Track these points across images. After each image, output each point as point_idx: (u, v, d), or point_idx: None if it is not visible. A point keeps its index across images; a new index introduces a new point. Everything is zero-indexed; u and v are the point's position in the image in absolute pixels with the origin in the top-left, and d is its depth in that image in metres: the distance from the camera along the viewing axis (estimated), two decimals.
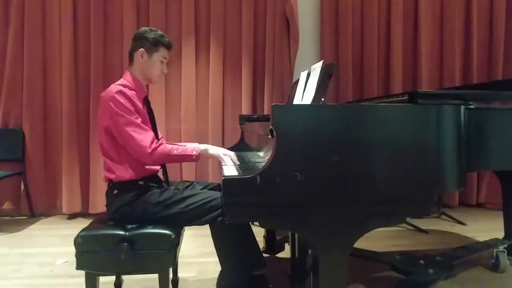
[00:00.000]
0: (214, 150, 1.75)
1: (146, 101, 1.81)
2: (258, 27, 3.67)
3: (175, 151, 1.63)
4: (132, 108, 1.62)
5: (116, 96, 1.60)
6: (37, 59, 3.46)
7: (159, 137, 2.02)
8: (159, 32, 1.77)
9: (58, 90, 3.50)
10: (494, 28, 3.84)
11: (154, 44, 1.74)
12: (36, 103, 3.47)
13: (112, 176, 1.67)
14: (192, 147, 1.68)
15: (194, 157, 1.67)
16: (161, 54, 1.77)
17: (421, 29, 3.77)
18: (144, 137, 1.60)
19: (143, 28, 1.79)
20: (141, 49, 1.73)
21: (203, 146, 1.73)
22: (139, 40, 1.75)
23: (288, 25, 3.67)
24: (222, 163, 1.72)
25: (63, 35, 3.44)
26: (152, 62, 1.76)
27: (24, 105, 3.45)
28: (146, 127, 1.64)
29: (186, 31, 3.55)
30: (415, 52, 3.84)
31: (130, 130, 1.59)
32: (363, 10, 3.77)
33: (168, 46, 1.78)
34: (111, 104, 1.60)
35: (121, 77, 3.62)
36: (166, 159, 1.69)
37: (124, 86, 1.68)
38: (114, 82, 3.70)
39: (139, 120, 1.63)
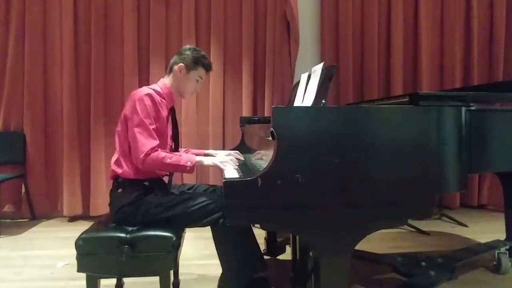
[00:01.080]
0: (209, 160, 1.74)
1: (171, 111, 1.85)
2: (259, 29, 3.68)
3: (169, 160, 1.61)
4: (153, 113, 1.66)
5: (144, 97, 1.65)
6: (38, 61, 3.47)
7: (180, 149, 2.03)
8: (202, 53, 1.84)
9: (59, 93, 3.50)
10: (494, 29, 3.84)
11: (194, 63, 1.80)
12: (37, 106, 3.48)
13: (119, 171, 1.69)
14: (187, 158, 1.66)
15: (188, 168, 1.64)
16: (198, 73, 1.83)
17: (421, 30, 3.78)
18: (147, 142, 1.60)
19: (188, 46, 1.87)
20: (182, 64, 1.79)
21: (198, 158, 1.71)
22: (182, 55, 1.81)
23: (289, 27, 3.67)
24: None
25: (64, 38, 3.45)
26: (189, 78, 1.82)
27: (25, 107, 3.45)
28: (155, 135, 1.64)
29: (187, 34, 3.56)
30: (415, 53, 3.84)
31: (138, 131, 1.62)
32: (363, 12, 3.78)
33: (207, 68, 1.84)
34: (137, 102, 1.64)
35: (122, 80, 3.63)
36: (159, 166, 1.66)
37: (155, 91, 1.73)
38: (114, 85, 3.73)
39: (152, 127, 1.64)
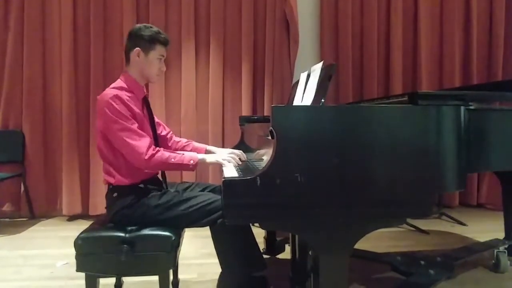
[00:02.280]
0: (212, 158, 1.72)
1: (145, 102, 1.76)
2: (258, 28, 3.68)
3: (173, 159, 1.59)
4: (127, 114, 1.58)
5: (111, 101, 1.56)
6: (37, 60, 3.46)
7: (168, 133, 2.01)
8: (155, 29, 1.70)
9: (58, 92, 3.50)
10: (493, 28, 3.85)
11: (150, 42, 1.67)
12: (36, 105, 3.47)
13: (111, 180, 1.65)
14: (190, 156, 1.64)
15: (191, 166, 1.62)
16: (158, 52, 1.70)
17: (420, 30, 3.78)
18: (140, 143, 1.55)
19: (138, 25, 1.71)
20: (137, 48, 1.67)
21: (200, 156, 1.69)
22: (134, 39, 1.68)
23: (288, 26, 3.67)
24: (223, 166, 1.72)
25: (63, 37, 3.44)
26: (149, 60, 1.69)
27: (24, 106, 3.45)
28: (142, 132, 1.59)
29: (186, 33, 3.55)
30: (415, 53, 3.85)
31: (125, 136, 1.55)
32: (363, 11, 3.78)
33: (164, 43, 1.71)
34: (106, 109, 1.56)
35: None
36: (163, 167, 1.66)
37: (120, 88, 1.64)
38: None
39: (135, 126, 1.58)
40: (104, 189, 3.40)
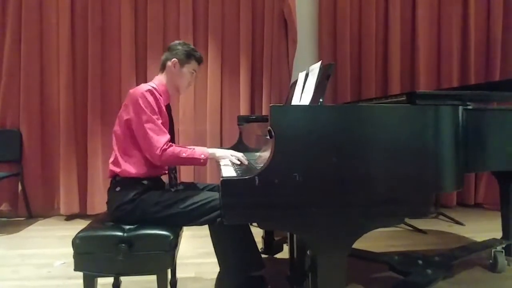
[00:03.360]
0: (222, 152, 1.80)
1: (168, 108, 1.85)
2: (256, 28, 3.68)
3: (184, 154, 1.66)
4: (156, 109, 1.68)
5: (146, 94, 1.66)
6: (35, 59, 3.46)
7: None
8: (192, 46, 1.87)
9: (55, 91, 3.49)
10: (491, 28, 3.86)
11: (186, 57, 1.83)
12: (34, 104, 3.46)
13: (117, 170, 1.68)
14: (200, 151, 1.71)
15: (201, 160, 1.69)
16: (192, 66, 1.85)
17: (418, 29, 3.79)
18: (160, 138, 1.63)
19: (178, 41, 1.89)
20: (174, 59, 1.81)
21: (210, 150, 1.77)
22: (173, 51, 1.83)
23: (286, 26, 3.68)
24: (222, 163, 1.73)
25: (61, 36, 3.44)
26: (183, 73, 1.84)
27: (21, 106, 3.44)
28: (164, 129, 1.68)
29: (184, 33, 3.55)
30: (413, 52, 3.86)
31: (149, 127, 1.63)
32: (361, 11, 3.79)
33: (199, 60, 1.88)
34: (139, 99, 1.64)
35: (119, 78, 3.62)
36: (175, 161, 1.72)
37: (154, 88, 1.73)
38: (112, 83, 3.71)
39: (160, 121, 1.67)
40: (102, 188, 3.41)
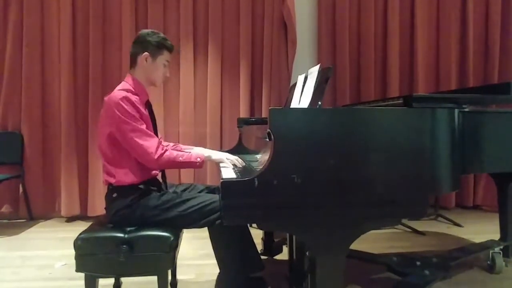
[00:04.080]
0: (217, 155, 1.79)
1: (148, 105, 1.80)
2: (256, 30, 3.70)
3: (180, 158, 1.64)
4: (137, 115, 1.62)
5: (121, 102, 1.59)
6: (36, 62, 3.48)
7: (160, 138, 2.04)
8: (162, 35, 1.77)
9: (57, 94, 3.51)
10: (490, 31, 3.88)
11: (158, 47, 1.73)
12: (35, 106, 3.48)
13: (112, 180, 1.66)
14: (196, 154, 1.70)
15: (198, 163, 1.68)
16: (164, 57, 1.77)
17: (417, 32, 3.81)
18: (150, 144, 1.60)
19: (145, 31, 1.77)
20: (146, 52, 1.72)
21: (206, 153, 1.77)
22: (142, 44, 1.73)
23: (286, 28, 3.70)
24: (221, 165, 1.74)
25: (62, 38, 3.46)
26: (156, 65, 1.75)
27: (22, 108, 3.46)
28: (151, 133, 1.65)
29: (185, 35, 3.57)
30: (411, 55, 3.88)
31: (136, 136, 1.59)
32: (360, 14, 3.81)
33: (170, 49, 1.79)
34: (116, 110, 1.58)
35: (120, 80, 3.61)
36: (172, 165, 1.70)
37: (127, 90, 1.66)
38: (112, 86, 3.71)
39: (143, 126, 1.63)
40: (102, 190, 3.41)
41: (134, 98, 1.65)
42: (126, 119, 1.58)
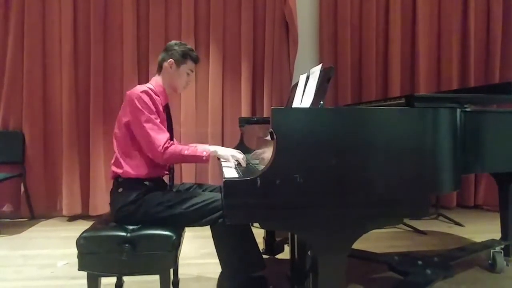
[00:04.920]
0: (223, 151, 1.83)
1: (166, 108, 1.88)
2: (258, 30, 3.70)
3: (186, 151, 1.69)
4: (154, 109, 1.70)
5: (141, 94, 1.68)
6: (37, 61, 3.48)
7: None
8: (188, 46, 1.89)
9: (58, 93, 3.52)
10: (491, 31, 3.88)
11: (183, 57, 1.85)
12: (36, 106, 3.49)
13: (119, 171, 1.71)
14: (202, 149, 1.75)
15: (204, 158, 1.72)
16: (188, 66, 1.87)
17: (419, 32, 3.81)
18: (160, 137, 1.66)
19: (174, 41, 1.90)
20: (171, 59, 1.83)
21: (212, 148, 1.81)
22: (169, 51, 1.85)
23: (287, 28, 3.70)
24: (223, 165, 1.75)
25: (63, 38, 3.46)
26: (180, 73, 1.86)
27: (24, 107, 3.47)
28: (163, 128, 1.71)
29: (186, 35, 3.58)
30: (413, 55, 3.88)
31: (148, 127, 1.66)
32: (362, 13, 3.81)
33: (195, 60, 1.89)
34: (136, 100, 1.67)
35: (121, 80, 3.64)
36: (177, 159, 1.74)
37: (150, 89, 1.75)
38: (114, 84, 3.74)
39: (158, 120, 1.70)
40: (104, 189, 3.42)
41: (154, 96, 1.74)
42: (143, 110, 1.67)
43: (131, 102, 1.68)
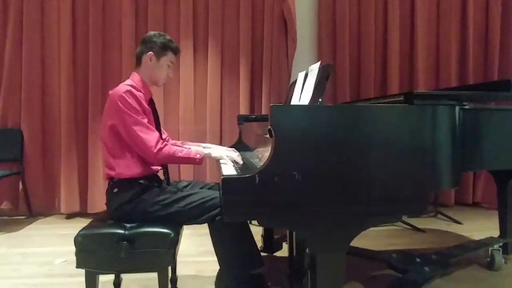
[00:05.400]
0: (217, 153, 1.78)
1: (151, 103, 1.85)
2: (256, 27, 3.70)
3: (180, 153, 1.66)
4: (139, 108, 1.66)
5: (124, 95, 1.64)
6: (36, 59, 3.47)
7: (165, 136, 2.05)
8: (167, 37, 1.83)
9: (56, 90, 3.50)
10: (490, 29, 3.88)
11: (162, 48, 1.79)
12: (35, 103, 3.48)
13: (112, 173, 1.69)
14: (196, 151, 1.71)
15: (197, 160, 1.69)
16: (168, 58, 1.82)
17: (417, 29, 3.80)
18: (150, 137, 1.63)
19: (152, 32, 1.83)
20: (150, 52, 1.78)
21: (206, 150, 1.77)
22: (148, 44, 1.79)
23: (286, 26, 3.69)
24: (221, 162, 1.74)
25: (62, 36, 3.45)
26: (160, 65, 1.81)
27: (22, 105, 3.45)
28: (152, 127, 1.68)
29: (184, 33, 3.57)
30: (411, 52, 3.87)
31: (137, 129, 1.62)
32: (360, 11, 3.80)
33: (175, 51, 1.84)
34: (119, 103, 1.63)
35: (120, 77, 3.63)
36: (171, 160, 1.72)
37: (131, 86, 1.71)
38: (112, 82, 3.72)
39: (145, 120, 1.66)
40: (102, 187, 3.41)
41: (137, 93, 1.69)
42: (128, 112, 1.63)
43: (115, 104, 1.63)
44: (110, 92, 1.70)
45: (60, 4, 3.44)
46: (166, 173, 1.90)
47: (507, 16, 3.87)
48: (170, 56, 1.82)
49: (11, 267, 2.38)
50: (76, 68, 3.51)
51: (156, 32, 1.83)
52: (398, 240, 2.86)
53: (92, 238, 1.55)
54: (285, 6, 3.61)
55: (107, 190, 1.74)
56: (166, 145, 1.67)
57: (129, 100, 1.63)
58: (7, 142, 3.42)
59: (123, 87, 1.68)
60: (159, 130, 1.84)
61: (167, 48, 1.80)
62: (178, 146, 1.72)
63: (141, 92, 1.73)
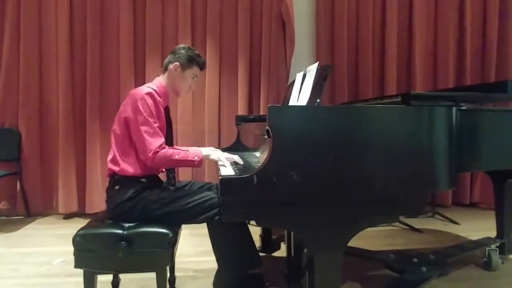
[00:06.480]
0: (215, 155, 1.78)
1: (166, 111, 1.87)
2: (254, 28, 3.70)
3: (177, 156, 1.67)
4: (155, 112, 1.70)
5: (146, 96, 1.68)
6: (34, 58, 3.46)
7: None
8: (196, 52, 1.89)
9: (54, 90, 3.50)
10: (487, 30, 3.89)
11: (189, 61, 1.85)
12: (32, 103, 3.47)
13: (116, 168, 1.71)
14: (194, 153, 1.71)
15: (196, 162, 1.70)
16: (193, 71, 1.88)
17: (415, 31, 3.82)
18: (154, 141, 1.65)
19: (182, 45, 1.91)
20: (177, 63, 1.83)
21: (205, 152, 1.76)
22: (177, 54, 1.86)
23: (284, 26, 3.70)
24: (219, 163, 1.75)
25: (60, 35, 3.44)
26: (184, 76, 1.86)
27: (20, 104, 3.44)
28: (160, 133, 1.70)
29: (182, 32, 3.57)
30: (409, 53, 3.88)
31: (144, 129, 1.65)
32: (359, 12, 3.81)
33: (201, 66, 1.90)
34: (138, 102, 1.67)
35: (118, 78, 3.62)
36: (168, 163, 1.73)
37: (154, 91, 1.75)
38: (110, 82, 3.71)
39: (156, 125, 1.69)
40: (100, 187, 3.41)
41: (158, 98, 1.73)
42: (143, 112, 1.66)
43: (134, 101, 1.68)
44: (132, 90, 1.75)
45: (57, 4, 3.44)
46: (172, 172, 1.89)
47: (504, 17, 3.88)
48: (195, 69, 1.88)
49: (10, 267, 2.38)
50: (74, 68, 3.50)
51: (187, 46, 1.90)
52: (395, 240, 2.87)
53: (90, 238, 1.55)
54: (283, 7, 3.62)
55: (107, 187, 1.76)
56: (163, 148, 1.67)
57: (148, 102, 1.68)
58: (5, 142, 3.41)
59: (146, 88, 1.73)
60: (170, 138, 1.88)
61: (193, 61, 1.86)
62: (176, 149, 1.73)
63: (160, 98, 1.77)
